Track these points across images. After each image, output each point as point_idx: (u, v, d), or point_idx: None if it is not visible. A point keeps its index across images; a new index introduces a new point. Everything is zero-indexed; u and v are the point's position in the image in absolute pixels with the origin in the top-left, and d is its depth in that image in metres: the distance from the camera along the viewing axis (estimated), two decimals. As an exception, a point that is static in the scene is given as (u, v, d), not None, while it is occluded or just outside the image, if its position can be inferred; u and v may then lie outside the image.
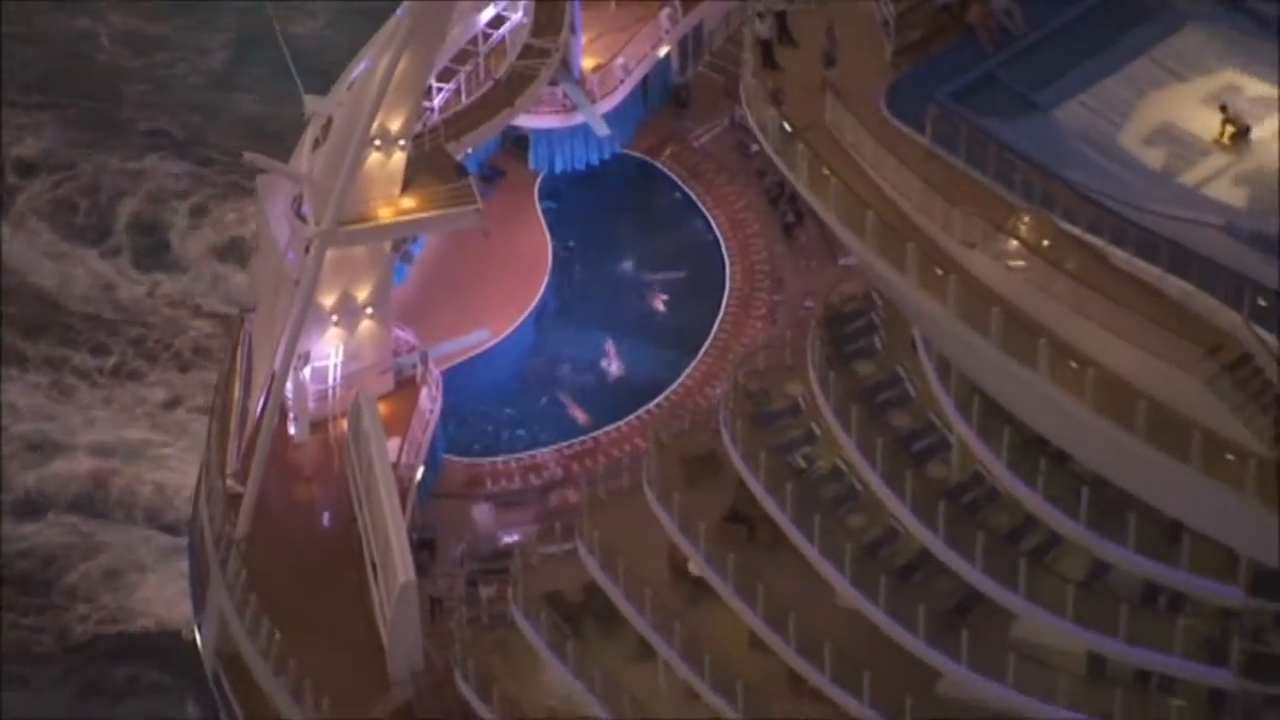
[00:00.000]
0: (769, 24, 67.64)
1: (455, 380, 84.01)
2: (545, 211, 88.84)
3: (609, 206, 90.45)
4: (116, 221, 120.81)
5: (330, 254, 78.48)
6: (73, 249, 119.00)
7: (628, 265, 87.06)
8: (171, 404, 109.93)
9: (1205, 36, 65.41)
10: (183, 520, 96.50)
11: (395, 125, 77.71)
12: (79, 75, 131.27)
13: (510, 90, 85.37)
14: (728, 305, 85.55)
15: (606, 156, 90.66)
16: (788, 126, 65.82)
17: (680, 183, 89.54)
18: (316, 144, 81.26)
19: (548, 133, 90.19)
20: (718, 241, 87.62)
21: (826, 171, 64.76)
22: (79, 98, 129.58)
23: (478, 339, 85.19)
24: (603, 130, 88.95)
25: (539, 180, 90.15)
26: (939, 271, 62.11)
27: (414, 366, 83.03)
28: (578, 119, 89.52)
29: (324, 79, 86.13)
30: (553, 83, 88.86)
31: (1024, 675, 65.16)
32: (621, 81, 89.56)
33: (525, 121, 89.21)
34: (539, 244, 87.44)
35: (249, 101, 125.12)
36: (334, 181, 77.93)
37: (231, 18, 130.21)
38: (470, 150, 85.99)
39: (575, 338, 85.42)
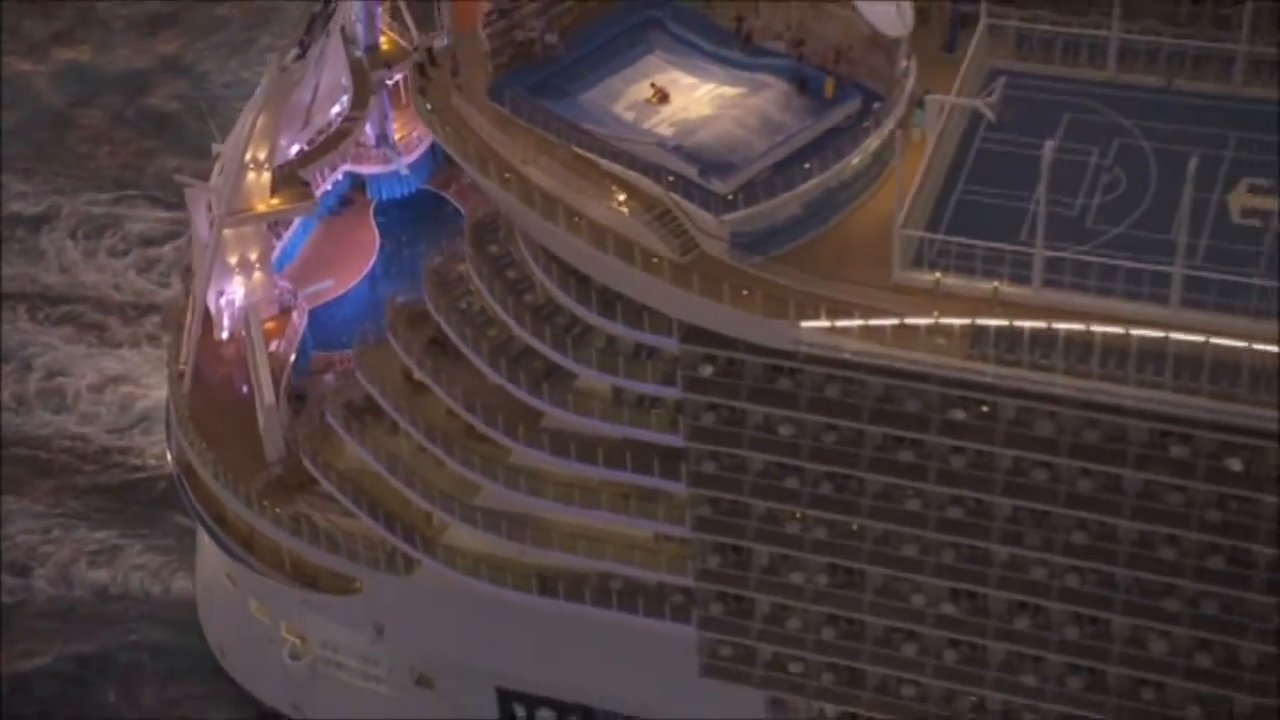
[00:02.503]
0: (422, 55, 75.11)
1: (322, 313, 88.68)
2: (378, 223, 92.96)
3: (415, 219, 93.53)
4: (109, 232, 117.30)
5: (227, 232, 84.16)
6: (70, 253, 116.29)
7: (423, 249, 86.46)
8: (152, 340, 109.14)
9: (663, 56, 73.26)
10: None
11: (261, 155, 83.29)
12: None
13: (337, 139, 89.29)
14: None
15: (413, 190, 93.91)
16: (430, 107, 73.00)
17: (458, 205, 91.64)
18: (221, 169, 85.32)
19: (376, 176, 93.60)
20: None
21: (449, 128, 71.98)
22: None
23: (324, 285, 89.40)
24: (406, 174, 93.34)
25: (373, 205, 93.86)
26: (508, 176, 69.63)
27: (291, 300, 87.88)
28: (393, 167, 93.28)
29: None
30: (379, 146, 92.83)
31: (580, 404, 72.72)
32: (418, 146, 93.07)
33: (363, 170, 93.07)
34: (372, 240, 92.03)
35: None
36: (227, 189, 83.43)
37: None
38: (318, 176, 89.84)
39: (391, 289, 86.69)
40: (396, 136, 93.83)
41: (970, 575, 71.46)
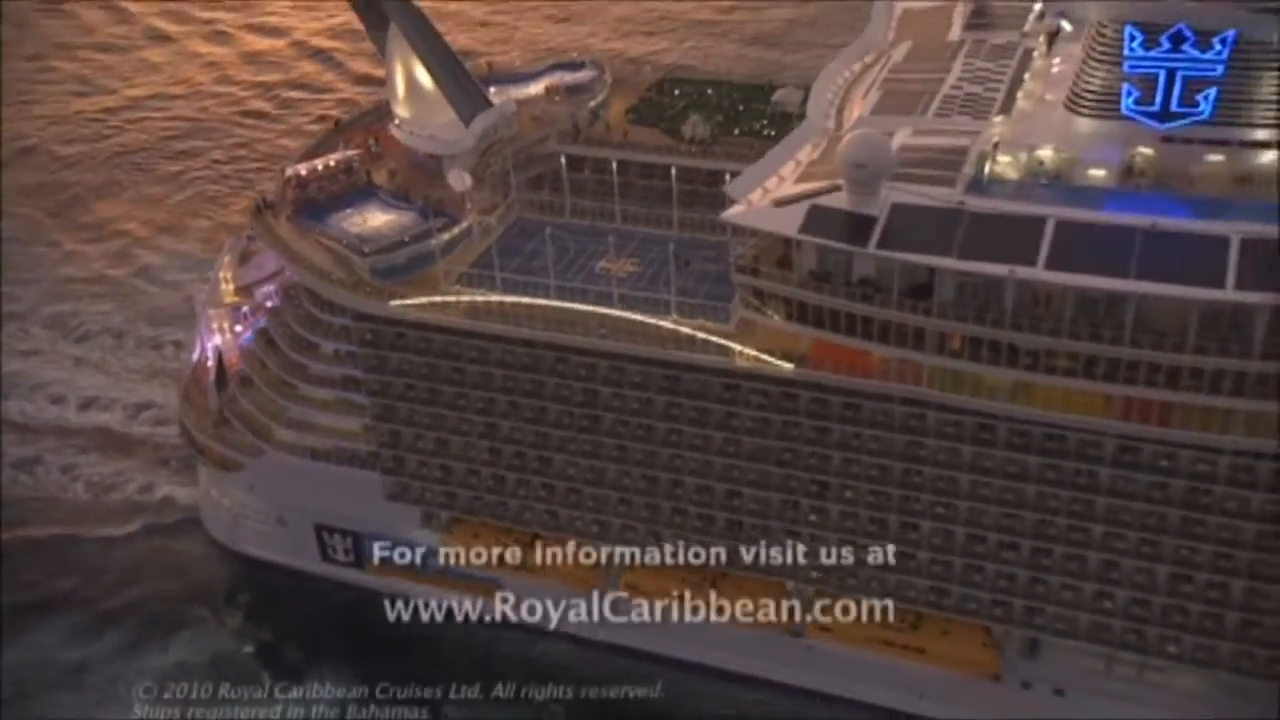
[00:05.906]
0: (260, 201, 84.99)
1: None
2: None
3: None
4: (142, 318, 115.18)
5: (210, 311, 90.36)
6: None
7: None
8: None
9: (375, 204, 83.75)
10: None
11: (228, 275, 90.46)
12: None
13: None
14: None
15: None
16: (260, 224, 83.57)
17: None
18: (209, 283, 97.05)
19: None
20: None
21: (265, 232, 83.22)
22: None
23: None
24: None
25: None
26: (288, 250, 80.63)
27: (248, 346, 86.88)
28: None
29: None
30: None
31: (320, 359, 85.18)
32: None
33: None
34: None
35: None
36: (211, 292, 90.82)
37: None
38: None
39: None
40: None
41: (498, 439, 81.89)
